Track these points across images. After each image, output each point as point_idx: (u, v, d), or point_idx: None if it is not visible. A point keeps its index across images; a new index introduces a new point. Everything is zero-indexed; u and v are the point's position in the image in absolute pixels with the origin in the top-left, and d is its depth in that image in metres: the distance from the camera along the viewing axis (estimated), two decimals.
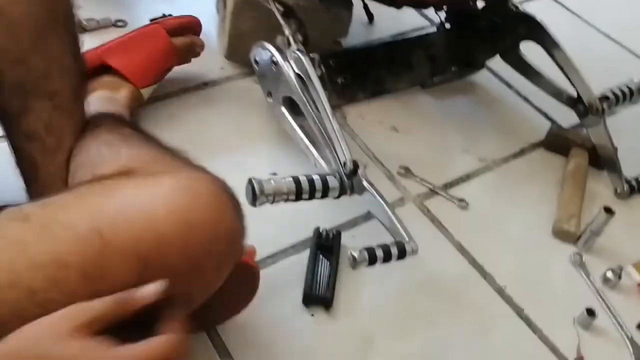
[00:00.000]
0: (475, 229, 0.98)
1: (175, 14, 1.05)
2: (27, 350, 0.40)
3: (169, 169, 0.57)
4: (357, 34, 1.27)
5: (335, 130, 0.88)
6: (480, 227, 0.99)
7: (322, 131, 0.90)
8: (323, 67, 0.97)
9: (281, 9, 0.94)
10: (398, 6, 1.01)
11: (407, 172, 1.04)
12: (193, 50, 1.05)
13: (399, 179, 1.03)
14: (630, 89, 1.10)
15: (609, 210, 0.93)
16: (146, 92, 0.98)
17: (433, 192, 1.02)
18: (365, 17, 1.32)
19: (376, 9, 1.31)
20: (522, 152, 1.14)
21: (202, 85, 1.10)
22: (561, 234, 0.99)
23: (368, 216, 0.93)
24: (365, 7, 1.29)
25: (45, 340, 0.40)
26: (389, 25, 1.33)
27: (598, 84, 1.09)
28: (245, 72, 1.13)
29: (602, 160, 1.10)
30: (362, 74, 1.14)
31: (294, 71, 0.91)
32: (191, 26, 1.05)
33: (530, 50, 1.14)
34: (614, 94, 1.09)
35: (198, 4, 1.19)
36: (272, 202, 0.80)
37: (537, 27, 1.10)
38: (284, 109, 0.97)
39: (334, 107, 0.90)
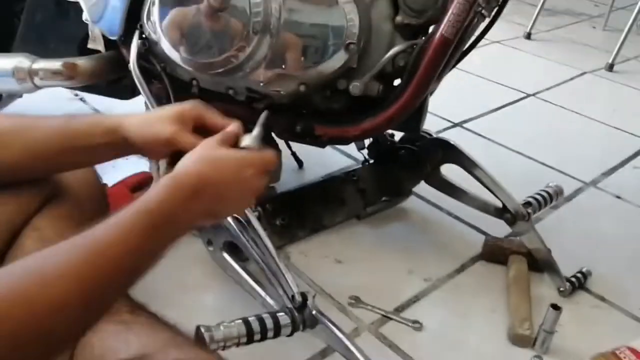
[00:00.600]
0: (433, 348, 0.98)
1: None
2: (205, 157, 0.64)
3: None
4: (289, 180, 1.33)
5: (280, 265, 0.89)
6: (438, 345, 0.99)
7: (267, 269, 0.90)
8: (261, 210, 1.00)
9: None
10: (322, 145, 1.07)
11: (357, 301, 1.04)
12: None
13: (351, 309, 1.03)
14: (548, 193, 1.18)
15: (555, 307, 0.95)
16: None
17: (386, 317, 1.02)
18: (295, 164, 1.39)
19: (304, 155, 1.39)
20: (463, 267, 1.17)
21: None
22: (517, 339, 0.99)
23: (325, 352, 0.92)
24: (294, 154, 1.37)
25: (209, 150, 0.65)
26: (317, 169, 1.40)
27: (518, 194, 1.16)
28: None
29: (540, 263, 1.14)
30: (299, 213, 1.18)
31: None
32: (147, 181, 1.12)
33: (451, 170, 1.22)
34: (535, 199, 1.16)
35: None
36: (224, 348, 0.78)
37: (453, 150, 1.18)
38: (225, 255, 0.97)
39: (276, 249, 0.92)
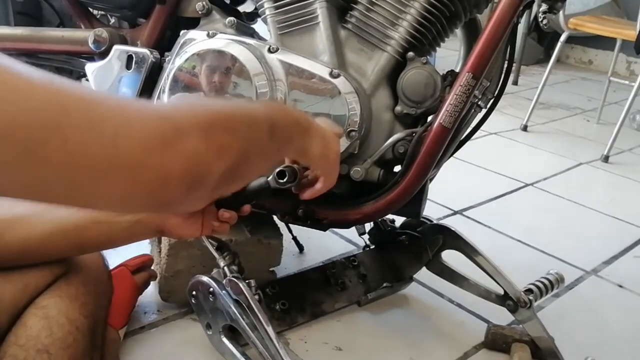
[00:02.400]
0: None
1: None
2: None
3: None
4: (290, 264, 1.34)
5: (280, 351, 0.88)
6: None
7: (267, 355, 0.89)
8: (261, 293, 1.00)
9: (215, 243, 0.99)
10: (323, 228, 1.09)
11: None
12: (148, 283, 1.12)
13: None
14: (549, 281, 1.18)
15: None
16: (122, 332, 1.01)
17: None
18: (296, 249, 1.40)
19: (305, 240, 1.40)
20: (466, 356, 1.15)
21: (139, 329, 1.09)
22: None
23: None
24: (295, 238, 1.38)
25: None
26: (318, 254, 1.40)
27: (519, 282, 1.16)
28: (184, 312, 1.14)
29: (543, 351, 1.12)
30: (300, 298, 1.17)
31: (231, 298, 0.93)
32: (147, 263, 1.12)
33: (451, 257, 1.22)
34: (537, 286, 1.16)
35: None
36: None
37: (453, 236, 1.19)
38: (224, 339, 0.96)
39: (275, 334, 0.91)
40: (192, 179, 0.50)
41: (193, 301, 1.01)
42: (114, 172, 0.45)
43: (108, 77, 1.07)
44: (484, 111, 1.07)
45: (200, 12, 1.05)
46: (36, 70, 0.43)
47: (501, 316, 1.19)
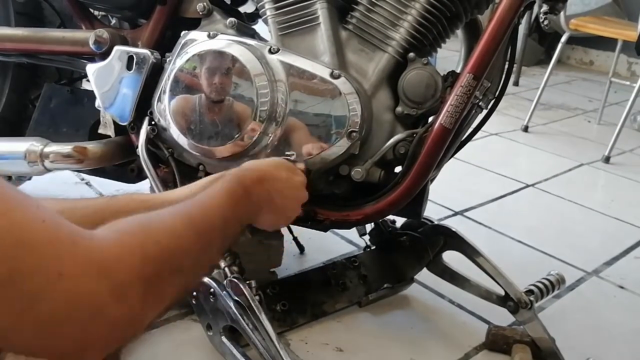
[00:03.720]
0: None
1: None
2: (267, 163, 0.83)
3: None
4: (290, 265, 1.34)
5: (281, 352, 0.88)
6: None
7: (267, 355, 0.89)
8: (261, 294, 1.00)
9: None
10: (324, 229, 1.09)
11: None
12: None
13: None
14: (550, 282, 1.18)
15: None
16: None
17: None
18: (296, 249, 1.40)
19: (306, 240, 1.40)
20: (467, 356, 1.15)
21: None
22: None
23: None
24: (295, 239, 1.38)
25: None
26: (319, 255, 1.40)
27: (520, 283, 1.15)
28: (184, 312, 1.13)
29: (544, 352, 1.12)
30: (300, 299, 1.17)
31: (232, 298, 0.93)
32: None
33: (452, 258, 1.22)
34: (538, 287, 1.16)
35: None
36: None
37: (454, 237, 1.19)
38: (224, 339, 0.96)
39: (276, 335, 0.91)
40: (117, 343, 0.46)
41: (194, 302, 1.01)
42: (22, 331, 0.40)
43: (109, 78, 1.07)
44: (484, 112, 1.07)
45: (201, 13, 1.05)
46: None
47: (502, 317, 1.19)
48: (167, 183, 1.04)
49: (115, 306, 0.43)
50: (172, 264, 0.51)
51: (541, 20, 1.18)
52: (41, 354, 0.43)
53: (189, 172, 1.04)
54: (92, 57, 1.12)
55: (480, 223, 1.70)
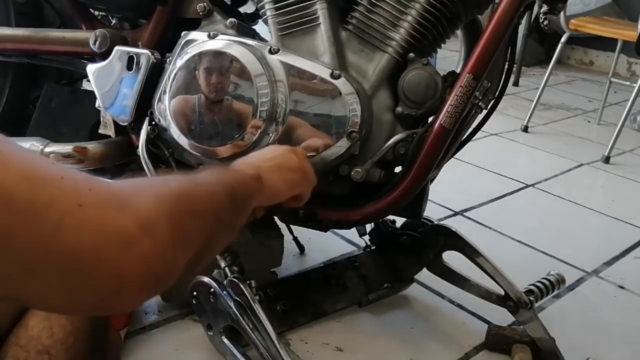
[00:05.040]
0: None
1: None
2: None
3: None
4: (290, 265, 1.34)
5: (281, 352, 0.88)
6: None
7: (268, 355, 0.89)
8: (262, 294, 1.00)
9: None
10: (324, 229, 1.09)
11: None
12: None
13: None
14: (550, 281, 1.18)
15: None
16: (123, 333, 1.01)
17: None
18: (296, 249, 1.40)
19: (306, 240, 1.40)
20: (466, 357, 1.15)
21: (140, 330, 1.09)
22: None
23: None
24: (295, 239, 1.38)
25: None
26: (319, 255, 1.41)
27: (520, 283, 1.15)
28: (185, 313, 1.14)
29: (544, 352, 1.12)
30: (300, 299, 1.17)
31: (232, 298, 0.93)
32: None
33: (452, 258, 1.22)
34: (537, 287, 1.16)
35: None
36: None
37: (454, 237, 1.19)
38: (225, 339, 0.96)
39: (276, 335, 0.91)
40: (153, 283, 0.43)
41: (194, 302, 1.01)
42: (49, 269, 0.37)
43: (109, 78, 1.07)
44: (484, 112, 1.07)
45: (201, 13, 1.05)
46: None
47: (502, 317, 1.19)
48: None
49: (145, 239, 0.41)
50: (188, 204, 0.49)
51: (541, 21, 1.19)
52: (75, 302, 0.40)
53: (189, 172, 1.04)
54: (93, 58, 1.12)
55: (480, 223, 1.70)
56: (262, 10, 1.03)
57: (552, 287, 1.18)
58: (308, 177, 0.85)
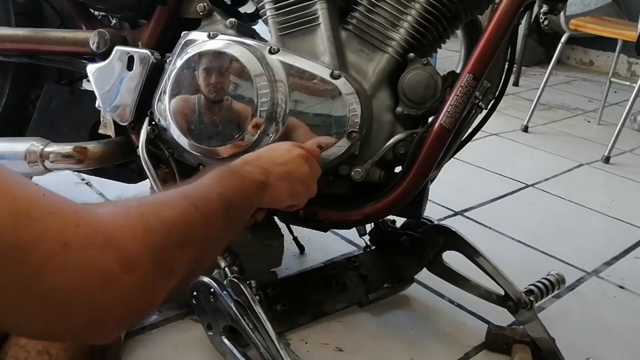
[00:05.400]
0: None
1: None
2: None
3: None
4: (290, 265, 1.34)
5: (281, 352, 0.88)
6: None
7: (268, 355, 0.89)
8: (262, 294, 1.00)
9: None
10: (324, 229, 1.09)
11: None
12: None
13: None
14: (550, 281, 1.18)
15: None
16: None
17: None
18: (297, 249, 1.40)
19: (306, 241, 1.40)
20: (466, 357, 1.15)
21: (140, 330, 1.09)
22: None
23: None
24: (295, 239, 1.38)
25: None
26: (319, 255, 1.41)
27: (520, 283, 1.16)
28: (185, 313, 1.14)
29: (544, 352, 1.12)
30: (300, 299, 1.17)
31: (232, 298, 0.93)
32: None
33: (452, 258, 1.22)
34: (537, 287, 1.16)
35: None
36: None
37: (454, 237, 1.19)
38: (225, 339, 0.96)
39: (276, 335, 0.91)
40: (132, 317, 0.45)
41: (194, 302, 1.01)
42: (31, 307, 0.39)
43: (109, 78, 1.07)
44: (484, 112, 1.07)
45: (201, 13, 1.05)
46: None
47: (502, 317, 1.19)
48: (168, 183, 1.05)
49: (125, 277, 0.42)
50: (176, 235, 0.50)
51: (541, 21, 1.19)
52: (53, 335, 0.43)
53: (189, 173, 1.04)
54: (93, 58, 1.12)
55: (480, 223, 1.70)
56: (262, 10, 1.03)
57: (552, 287, 1.18)
58: (310, 190, 0.86)
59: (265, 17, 1.03)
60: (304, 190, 0.83)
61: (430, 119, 0.99)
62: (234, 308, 0.93)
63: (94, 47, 1.09)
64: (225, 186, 0.64)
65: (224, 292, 0.95)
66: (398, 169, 1.01)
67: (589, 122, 2.94)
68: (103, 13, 1.21)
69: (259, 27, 1.12)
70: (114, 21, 1.24)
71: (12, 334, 0.48)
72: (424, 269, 1.25)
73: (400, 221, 1.25)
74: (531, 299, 1.11)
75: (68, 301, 0.40)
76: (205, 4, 1.05)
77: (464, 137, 1.08)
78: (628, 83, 2.81)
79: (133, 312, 0.44)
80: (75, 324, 0.41)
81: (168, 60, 1.04)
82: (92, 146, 1.11)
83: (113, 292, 0.42)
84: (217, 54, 0.97)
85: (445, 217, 1.70)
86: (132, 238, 0.45)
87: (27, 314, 0.39)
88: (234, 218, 0.63)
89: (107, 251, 0.42)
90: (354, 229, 1.23)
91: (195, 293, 1.00)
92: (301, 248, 1.40)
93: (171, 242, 0.49)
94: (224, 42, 0.98)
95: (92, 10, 1.19)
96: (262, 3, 1.03)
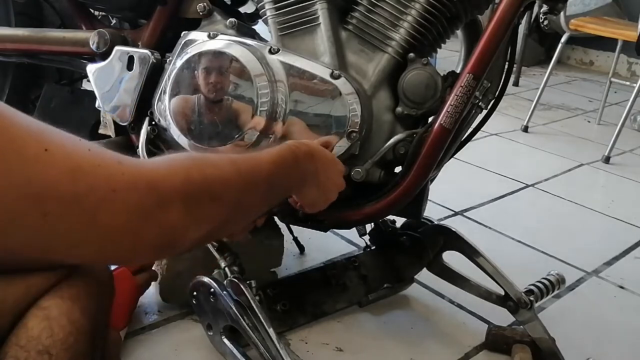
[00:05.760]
0: None
1: None
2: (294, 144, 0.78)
3: None
4: (290, 265, 1.34)
5: (281, 352, 0.88)
6: None
7: (268, 355, 0.89)
8: (262, 294, 1.00)
9: (216, 244, 0.99)
10: (324, 229, 1.09)
11: None
12: (149, 283, 1.11)
13: None
14: (550, 282, 1.18)
15: None
16: (123, 333, 1.01)
17: None
18: (296, 249, 1.40)
19: (305, 241, 1.40)
20: (466, 357, 1.15)
21: (140, 330, 1.09)
22: None
23: None
24: (295, 239, 1.38)
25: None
26: (319, 255, 1.41)
27: (520, 283, 1.15)
28: (184, 313, 1.14)
29: (544, 352, 1.12)
30: (300, 299, 1.17)
31: (232, 298, 0.93)
32: (148, 264, 1.11)
33: (452, 258, 1.22)
34: (537, 287, 1.16)
35: None
36: None
37: (454, 237, 1.19)
38: (225, 339, 0.96)
39: (276, 335, 0.91)
40: (162, 247, 0.54)
41: (194, 302, 1.01)
42: (89, 242, 0.49)
43: (109, 78, 1.07)
44: (484, 112, 1.07)
45: (201, 13, 1.05)
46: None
47: (502, 317, 1.19)
48: None
49: (162, 216, 0.52)
50: (212, 192, 0.58)
51: (541, 21, 1.19)
52: (103, 260, 0.56)
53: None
54: (93, 58, 1.12)
55: (480, 223, 1.70)
56: (262, 10, 1.03)
57: (552, 287, 1.18)
58: (331, 198, 0.89)
59: (265, 17, 1.03)
60: (325, 200, 0.88)
61: (430, 119, 0.99)
62: (234, 308, 0.93)
63: (94, 47, 1.09)
64: (279, 164, 0.71)
65: (224, 292, 0.95)
66: (398, 169, 1.01)
67: (589, 122, 2.94)
68: (103, 13, 1.21)
69: (259, 27, 1.12)
70: (114, 21, 1.24)
71: (68, 263, 0.58)
72: (424, 269, 1.26)
73: (400, 221, 1.25)
74: (531, 299, 1.11)
75: (117, 234, 0.50)
76: (205, 4, 1.05)
77: (464, 137, 1.08)
78: (628, 83, 2.81)
79: (164, 246, 0.54)
80: (120, 251, 0.52)
81: (168, 60, 1.04)
82: None
83: (151, 227, 0.52)
84: (217, 54, 0.97)
85: (445, 217, 1.70)
86: (170, 185, 0.53)
87: (85, 247, 0.50)
88: (271, 194, 0.70)
89: (148, 194, 0.51)
90: (354, 229, 1.23)
91: (195, 293, 1.00)
92: (301, 248, 1.41)
93: (206, 196, 0.57)
94: (224, 42, 0.98)
95: (92, 10, 1.19)
96: (262, 3, 1.03)
